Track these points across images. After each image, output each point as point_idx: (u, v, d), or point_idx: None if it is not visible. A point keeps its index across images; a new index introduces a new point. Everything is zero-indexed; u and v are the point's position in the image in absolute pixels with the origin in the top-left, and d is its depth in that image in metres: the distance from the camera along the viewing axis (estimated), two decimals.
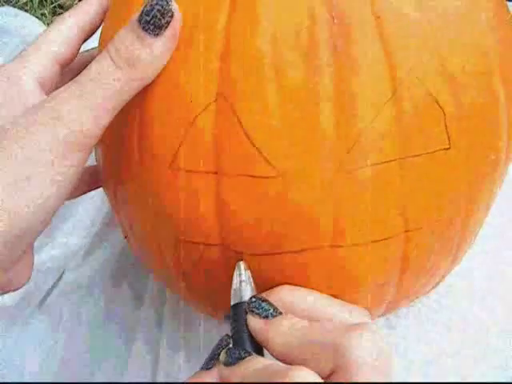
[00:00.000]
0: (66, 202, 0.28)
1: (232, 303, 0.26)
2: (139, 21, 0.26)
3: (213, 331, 0.43)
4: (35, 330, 0.46)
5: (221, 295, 0.30)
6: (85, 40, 0.32)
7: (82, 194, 0.36)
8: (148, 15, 0.25)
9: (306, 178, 0.25)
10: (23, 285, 0.30)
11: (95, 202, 0.50)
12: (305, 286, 0.28)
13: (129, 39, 0.26)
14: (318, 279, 0.28)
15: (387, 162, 0.26)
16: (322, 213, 0.26)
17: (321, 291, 0.29)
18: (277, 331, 0.25)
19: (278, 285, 0.28)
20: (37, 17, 0.61)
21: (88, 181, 0.36)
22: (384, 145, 0.26)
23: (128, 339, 0.45)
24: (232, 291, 0.27)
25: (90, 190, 0.37)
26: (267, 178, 0.25)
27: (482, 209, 0.31)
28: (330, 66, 0.25)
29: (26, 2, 0.66)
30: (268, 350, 0.25)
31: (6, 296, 0.46)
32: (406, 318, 0.42)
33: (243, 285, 0.26)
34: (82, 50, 0.32)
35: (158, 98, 0.27)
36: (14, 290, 0.29)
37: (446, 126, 0.27)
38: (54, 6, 0.67)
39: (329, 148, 0.25)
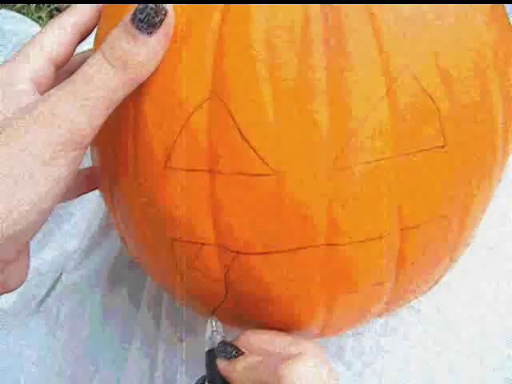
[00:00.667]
0: (63, 204, 0.29)
1: (206, 349, 0.30)
2: (133, 19, 0.25)
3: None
4: (33, 332, 0.46)
5: (217, 295, 0.30)
6: (80, 41, 0.32)
7: (78, 196, 0.36)
8: (141, 13, 0.25)
9: (300, 176, 0.25)
10: (19, 286, 0.30)
11: (92, 204, 0.50)
12: (300, 285, 0.28)
13: (122, 38, 0.26)
14: (313, 278, 0.28)
15: (382, 159, 0.26)
16: (317, 211, 0.26)
17: (316, 290, 0.29)
18: (235, 369, 0.28)
19: (271, 284, 0.28)
20: (34, 20, 0.61)
21: (85, 182, 0.36)
22: (379, 142, 0.26)
23: (126, 341, 0.45)
24: (206, 339, 0.31)
25: (86, 192, 0.37)
26: (262, 176, 0.25)
27: (479, 207, 0.31)
28: (324, 64, 0.25)
29: (23, 6, 0.66)
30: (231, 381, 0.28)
31: (3, 299, 0.46)
32: (406, 318, 0.42)
33: (215, 334, 0.31)
34: (77, 51, 0.32)
35: (151, 97, 0.27)
36: (10, 291, 0.29)
37: (440, 123, 0.27)
38: (51, 10, 0.67)
39: (323, 146, 0.25)
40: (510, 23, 0.32)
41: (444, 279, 0.35)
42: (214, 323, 0.31)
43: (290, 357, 0.27)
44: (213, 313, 0.31)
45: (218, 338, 0.30)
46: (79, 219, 0.50)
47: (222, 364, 0.29)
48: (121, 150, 0.29)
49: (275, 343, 0.29)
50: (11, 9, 0.63)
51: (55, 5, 0.67)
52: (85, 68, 0.26)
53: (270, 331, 0.30)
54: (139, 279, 0.47)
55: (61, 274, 0.48)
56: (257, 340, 0.30)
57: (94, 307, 0.46)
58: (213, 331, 0.31)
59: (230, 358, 0.29)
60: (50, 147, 0.25)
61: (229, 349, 0.29)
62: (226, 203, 0.26)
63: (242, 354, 0.29)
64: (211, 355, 0.30)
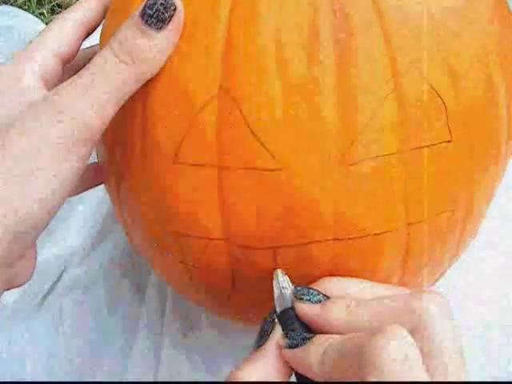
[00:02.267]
0: (67, 200, 0.28)
1: (279, 310, 0.26)
2: (142, 15, 0.26)
3: (215, 327, 0.43)
4: (36, 327, 0.46)
5: (223, 289, 0.31)
6: (86, 37, 0.32)
7: (83, 191, 0.37)
8: (151, 9, 0.25)
9: (308, 170, 0.26)
10: (27, 280, 0.30)
11: (96, 199, 0.50)
12: (308, 280, 0.28)
13: (131, 33, 0.26)
14: (321, 273, 0.28)
15: (389, 154, 0.26)
16: (325, 206, 0.26)
17: None
18: (337, 311, 0.24)
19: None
20: (35, 16, 0.61)
21: (89, 178, 0.36)
22: (386, 137, 0.26)
23: (130, 337, 0.45)
24: (275, 300, 0.26)
25: (91, 187, 0.37)
26: (270, 170, 0.26)
27: (484, 202, 0.32)
28: (333, 60, 0.25)
29: (25, 2, 0.66)
30: (329, 332, 0.24)
31: (6, 295, 0.46)
32: None
33: (285, 291, 0.26)
34: (83, 47, 0.32)
35: (160, 92, 0.27)
36: (18, 286, 0.29)
37: (447, 118, 0.27)
38: (53, 5, 0.67)
39: (331, 141, 0.25)
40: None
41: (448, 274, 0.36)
42: (281, 278, 0.26)
43: (410, 296, 0.23)
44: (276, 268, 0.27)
45: (289, 293, 0.26)
46: (83, 214, 0.50)
47: (307, 308, 0.25)
48: (128, 145, 0.29)
49: (367, 291, 0.26)
50: (13, 5, 0.63)
51: (57, 1, 0.67)
52: (93, 63, 0.26)
53: (350, 279, 0.27)
54: (143, 275, 0.47)
55: (64, 270, 0.48)
56: (339, 288, 0.26)
57: (98, 302, 0.46)
58: (282, 288, 0.26)
59: (319, 301, 0.25)
60: (60, 143, 0.25)
61: (313, 292, 0.25)
62: (234, 198, 0.27)
63: (329, 298, 0.25)
64: (288, 315, 0.25)
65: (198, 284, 0.32)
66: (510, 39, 0.31)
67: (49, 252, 0.48)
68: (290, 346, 0.24)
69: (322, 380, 0.23)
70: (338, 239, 0.27)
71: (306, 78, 0.25)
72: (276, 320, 0.26)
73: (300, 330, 0.25)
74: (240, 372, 0.24)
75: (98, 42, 0.33)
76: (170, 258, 0.31)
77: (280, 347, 0.25)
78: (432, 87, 0.26)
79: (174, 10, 0.26)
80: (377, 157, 0.26)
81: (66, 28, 0.30)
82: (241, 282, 0.30)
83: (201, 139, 0.26)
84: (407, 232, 0.28)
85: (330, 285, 0.26)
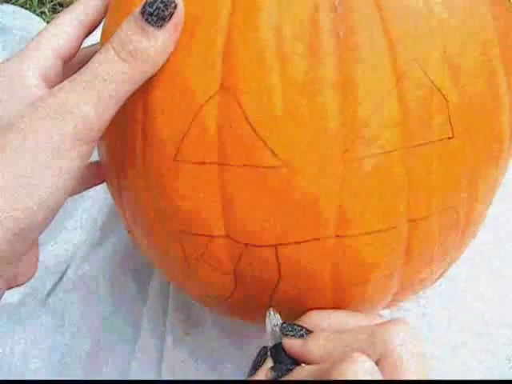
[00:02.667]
0: (69, 198, 0.28)
1: (271, 344, 0.29)
2: (142, 12, 0.26)
3: (217, 325, 0.44)
4: (39, 325, 0.46)
5: (226, 287, 0.31)
6: (87, 35, 0.32)
7: (85, 190, 0.37)
8: (151, 7, 0.25)
9: (310, 167, 0.26)
10: (28, 280, 0.30)
11: (98, 197, 0.50)
12: (310, 277, 0.28)
13: (132, 31, 0.26)
14: (323, 270, 0.28)
15: (391, 151, 0.26)
16: (327, 203, 0.26)
17: (326, 282, 0.29)
18: (314, 345, 0.27)
19: (281, 276, 0.29)
20: (37, 15, 0.61)
21: (91, 176, 0.36)
22: (388, 134, 0.26)
23: (133, 335, 0.45)
24: (268, 335, 0.29)
25: (93, 186, 0.37)
26: (272, 168, 0.26)
27: (486, 198, 0.31)
28: (334, 55, 0.25)
29: (26, 1, 0.66)
30: (310, 362, 0.27)
31: (9, 293, 0.46)
32: (407, 311, 0.42)
33: (276, 328, 0.28)
34: (83, 45, 0.32)
35: (161, 90, 0.27)
36: (21, 285, 0.29)
37: (449, 115, 0.27)
38: (54, 4, 0.67)
39: (333, 137, 0.25)
40: None
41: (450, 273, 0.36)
42: (273, 317, 0.29)
43: (378, 323, 0.26)
44: (269, 306, 0.30)
45: (279, 332, 0.28)
46: (86, 213, 0.50)
47: (291, 342, 0.27)
48: (129, 143, 0.29)
49: (343, 322, 0.28)
50: (14, 4, 0.63)
51: (58, 0, 0.67)
52: (94, 61, 0.26)
53: (331, 311, 0.29)
54: (146, 273, 0.47)
55: (67, 268, 0.48)
56: (321, 319, 0.29)
57: (101, 300, 0.46)
58: (273, 326, 0.29)
59: (301, 335, 0.27)
60: (61, 141, 0.25)
61: (296, 327, 0.28)
62: (235, 196, 0.27)
63: (311, 332, 0.28)
64: (277, 349, 0.28)
65: (200, 282, 0.32)
66: (510, 35, 0.30)
67: (52, 250, 0.49)
68: (274, 377, 0.27)
69: None
70: (339, 236, 0.27)
71: (307, 75, 0.25)
72: (268, 353, 0.28)
73: (288, 361, 0.27)
74: None
75: (98, 40, 0.33)
76: (171, 256, 0.31)
77: (268, 378, 0.27)
78: (433, 83, 0.26)
79: (175, 7, 0.26)
80: (378, 154, 0.26)
81: (67, 26, 0.30)
82: (243, 280, 0.30)
83: (202, 137, 0.26)
84: (408, 229, 0.28)
85: (317, 317, 0.29)
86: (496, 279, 0.44)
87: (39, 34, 0.30)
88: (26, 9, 0.62)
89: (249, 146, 0.26)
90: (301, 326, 0.28)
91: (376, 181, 0.26)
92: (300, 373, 0.26)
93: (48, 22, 0.61)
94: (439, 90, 0.26)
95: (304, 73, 0.25)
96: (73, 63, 0.32)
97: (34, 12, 0.63)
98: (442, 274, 0.35)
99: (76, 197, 0.47)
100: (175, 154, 0.27)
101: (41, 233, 0.27)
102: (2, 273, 0.26)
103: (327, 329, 0.28)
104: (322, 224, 0.27)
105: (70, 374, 0.44)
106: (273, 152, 0.25)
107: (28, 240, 0.27)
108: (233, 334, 0.43)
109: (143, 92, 0.27)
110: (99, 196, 0.50)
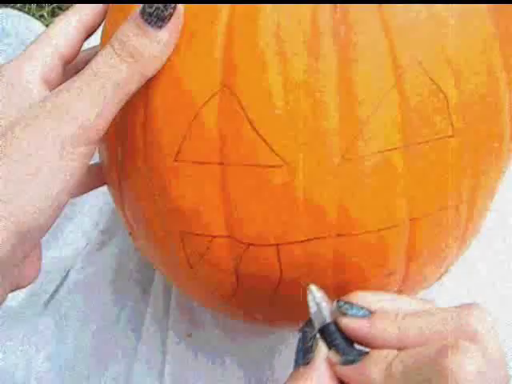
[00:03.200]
0: (71, 201, 0.28)
1: (318, 326, 0.25)
2: (142, 13, 0.26)
3: (219, 326, 0.44)
4: (41, 329, 0.46)
5: (228, 288, 0.31)
6: (87, 37, 0.32)
7: (86, 192, 0.37)
8: (151, 7, 0.25)
9: (311, 166, 0.26)
10: (33, 281, 0.30)
11: (99, 200, 0.50)
12: (312, 277, 0.28)
13: (132, 32, 0.26)
14: (324, 269, 0.28)
15: (392, 149, 0.26)
16: (328, 202, 0.26)
17: (328, 281, 0.29)
18: (388, 323, 0.24)
19: (283, 275, 0.28)
20: (35, 18, 0.61)
21: (93, 178, 0.36)
22: (388, 132, 0.26)
23: (135, 338, 0.45)
24: (312, 315, 0.26)
25: (94, 188, 0.37)
26: (272, 167, 0.26)
27: (487, 196, 0.31)
28: (333, 55, 0.25)
29: (24, 4, 0.66)
30: (377, 346, 0.24)
31: (12, 296, 0.46)
32: None
33: (321, 306, 0.25)
34: (84, 47, 0.32)
35: (161, 91, 0.27)
36: (24, 287, 0.29)
37: (449, 113, 0.27)
38: (53, 8, 0.67)
39: (334, 136, 0.25)
40: None
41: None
42: (317, 294, 0.26)
43: (459, 310, 0.23)
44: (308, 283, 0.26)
45: (326, 308, 0.25)
46: (87, 215, 0.50)
47: (354, 323, 0.24)
48: (130, 144, 0.29)
49: (405, 305, 0.25)
50: (13, 7, 0.63)
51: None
52: (95, 62, 0.26)
53: (380, 292, 0.26)
54: (147, 274, 0.47)
55: (69, 271, 0.48)
56: (375, 301, 0.25)
57: (104, 303, 0.46)
58: (319, 303, 0.25)
59: (364, 315, 0.24)
60: (62, 143, 0.25)
61: (357, 306, 0.24)
62: (237, 195, 0.27)
63: (373, 312, 0.24)
64: (329, 329, 0.25)
65: (201, 282, 0.32)
66: (510, 33, 0.30)
67: (54, 253, 0.49)
68: (345, 363, 0.24)
69: None
70: (341, 235, 0.27)
71: (307, 74, 0.25)
72: (318, 336, 0.25)
73: (343, 344, 0.24)
74: None
75: (99, 42, 0.33)
76: (173, 257, 0.31)
77: (331, 363, 0.24)
78: (434, 81, 0.26)
79: (174, 8, 0.26)
80: (379, 152, 0.26)
81: (67, 28, 0.30)
82: (244, 280, 0.30)
83: (202, 137, 0.26)
84: (410, 227, 0.28)
85: (371, 298, 0.25)
86: (497, 277, 0.44)
87: (40, 35, 0.30)
88: (25, 12, 0.62)
89: (249, 145, 0.26)
90: (360, 305, 0.25)
91: (376, 179, 0.26)
92: (384, 357, 0.23)
93: (47, 26, 0.61)
94: (439, 89, 0.26)
95: (304, 72, 0.25)
96: (73, 65, 0.32)
97: (32, 15, 0.63)
98: (444, 273, 0.35)
99: (77, 199, 0.47)
100: (176, 155, 0.27)
101: (43, 235, 0.27)
102: (5, 275, 0.26)
103: (389, 310, 0.24)
104: (322, 223, 0.27)
105: (73, 376, 0.44)
106: (273, 151, 0.25)
107: (31, 242, 0.27)
108: (234, 334, 0.43)
109: (143, 93, 0.27)
110: (100, 198, 0.50)
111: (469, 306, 0.23)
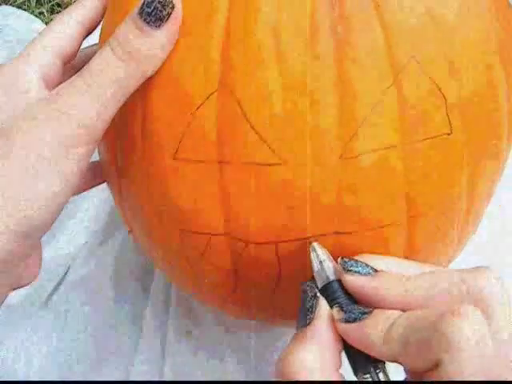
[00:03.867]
0: (70, 199, 0.29)
1: (320, 286, 0.25)
2: (140, 13, 0.26)
3: (219, 323, 0.44)
4: (42, 326, 0.46)
5: (227, 285, 0.31)
6: (86, 36, 0.32)
7: (85, 190, 0.37)
8: (149, 7, 0.26)
9: (309, 164, 0.26)
10: (33, 280, 0.30)
11: (99, 198, 0.50)
12: (311, 274, 0.29)
13: (130, 31, 0.26)
14: None
15: (390, 147, 0.26)
16: (327, 200, 0.26)
17: None
18: (390, 282, 0.23)
19: (282, 273, 0.29)
20: (35, 15, 0.61)
21: (93, 176, 0.36)
22: (386, 130, 0.26)
23: (135, 335, 0.45)
24: (315, 273, 0.25)
25: (94, 186, 0.37)
26: (270, 165, 0.26)
27: (485, 193, 0.31)
28: (331, 53, 0.25)
29: (24, 1, 0.66)
30: (382, 306, 0.23)
31: (11, 294, 0.46)
32: None
33: (326, 264, 0.25)
34: (83, 46, 0.32)
35: (160, 90, 0.27)
36: (24, 286, 0.30)
37: (447, 111, 0.27)
38: (52, 5, 0.67)
39: (332, 134, 0.25)
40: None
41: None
42: (320, 251, 0.25)
43: (463, 272, 0.22)
44: (309, 242, 0.26)
45: (330, 266, 0.25)
46: (87, 213, 0.50)
47: (359, 280, 0.23)
48: (129, 143, 0.29)
49: (411, 266, 0.24)
50: (12, 5, 0.63)
51: (56, 0, 0.67)
52: (93, 62, 0.26)
53: (385, 256, 0.26)
54: (147, 272, 0.47)
55: (68, 269, 0.48)
56: (381, 263, 0.24)
57: (103, 300, 0.47)
58: (322, 261, 0.25)
59: (368, 273, 0.23)
60: (62, 143, 0.25)
61: (361, 264, 0.24)
62: (235, 193, 0.27)
63: (379, 271, 0.24)
64: (332, 287, 0.24)
65: (201, 281, 0.32)
66: (509, 31, 0.31)
67: (54, 251, 0.49)
68: (347, 321, 0.23)
69: (385, 358, 0.22)
70: (339, 233, 0.27)
71: (305, 72, 0.25)
72: (319, 295, 0.24)
73: (346, 302, 0.24)
74: (291, 356, 0.23)
75: (97, 40, 0.33)
76: (172, 254, 0.31)
77: (333, 320, 0.23)
78: (432, 80, 0.26)
79: (172, 7, 0.26)
80: (377, 150, 0.26)
81: (66, 27, 0.30)
82: (244, 278, 0.30)
83: (201, 135, 0.26)
84: (409, 225, 0.28)
85: (374, 258, 0.25)
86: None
87: (39, 35, 0.30)
88: (24, 10, 0.62)
89: (247, 143, 0.26)
90: (365, 263, 0.24)
91: (375, 177, 0.26)
92: (386, 317, 0.22)
93: (46, 23, 0.61)
94: (437, 87, 0.26)
95: (302, 71, 0.25)
96: (73, 64, 0.32)
97: (32, 13, 0.63)
98: None
99: (77, 197, 0.47)
100: (174, 153, 0.27)
101: (44, 233, 0.28)
102: (6, 275, 0.26)
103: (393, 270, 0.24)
104: (321, 221, 0.27)
105: (73, 373, 0.44)
106: (272, 149, 0.25)
107: (32, 241, 0.27)
108: (234, 331, 0.43)
109: (142, 92, 0.28)
110: (100, 196, 0.50)
111: (478, 268, 0.23)
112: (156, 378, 0.42)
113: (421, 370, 0.21)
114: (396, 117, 0.26)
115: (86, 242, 0.49)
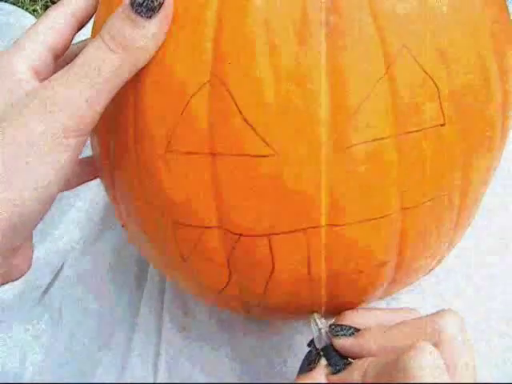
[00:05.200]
0: (64, 194, 0.29)
1: (319, 347, 0.30)
2: (132, 4, 0.26)
3: (214, 319, 0.44)
4: (36, 323, 0.46)
5: (220, 279, 0.31)
6: (78, 29, 0.32)
7: (79, 185, 0.37)
8: None
9: (301, 156, 0.26)
10: (22, 275, 0.30)
11: (93, 193, 0.50)
12: (303, 267, 0.29)
13: (122, 22, 0.26)
14: (317, 259, 0.28)
15: (382, 138, 0.26)
16: (319, 191, 0.26)
17: (320, 272, 0.29)
18: (369, 339, 0.28)
19: (275, 266, 0.29)
20: (29, 13, 0.61)
21: (85, 171, 0.36)
22: (379, 121, 0.26)
23: (129, 331, 0.45)
24: (315, 339, 0.31)
25: (87, 181, 0.37)
26: (263, 157, 0.26)
27: (479, 184, 0.31)
28: (323, 43, 0.25)
29: None
30: (362, 356, 0.28)
31: (5, 291, 0.46)
32: (406, 302, 0.42)
33: (323, 331, 0.30)
34: (75, 40, 0.32)
35: (151, 82, 0.27)
36: (15, 280, 0.29)
37: (440, 102, 0.27)
38: (46, 2, 0.67)
39: (324, 125, 0.25)
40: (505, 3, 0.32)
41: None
42: (318, 321, 0.31)
43: (432, 315, 0.27)
44: (313, 312, 0.32)
45: (326, 333, 0.30)
46: (81, 209, 0.50)
47: (343, 341, 0.29)
48: (121, 136, 0.29)
49: (387, 318, 0.30)
50: (6, 1, 0.63)
51: None
52: (85, 53, 0.26)
53: (367, 309, 0.31)
54: (142, 267, 0.47)
55: (63, 265, 0.48)
56: (362, 318, 0.30)
57: (98, 296, 0.46)
58: (319, 329, 0.31)
59: (352, 334, 0.29)
60: (53, 134, 0.25)
61: (345, 327, 0.29)
62: (227, 185, 0.27)
63: (358, 330, 0.29)
64: (327, 350, 0.30)
65: (194, 274, 0.32)
66: (502, 21, 0.30)
67: (48, 246, 0.48)
68: (334, 372, 0.29)
69: None
70: (331, 225, 0.27)
71: (297, 63, 0.25)
72: (321, 353, 0.30)
73: (337, 358, 0.29)
74: None
75: (90, 34, 0.33)
76: (165, 248, 0.31)
77: (326, 374, 0.29)
78: (424, 70, 0.26)
79: None
80: (370, 141, 0.26)
81: (58, 20, 0.30)
82: (237, 271, 0.30)
83: (193, 127, 0.26)
84: (402, 217, 0.28)
85: (358, 316, 0.30)
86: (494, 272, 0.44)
87: (30, 28, 0.30)
88: (19, 7, 0.62)
89: (240, 135, 0.26)
90: (349, 326, 0.29)
91: (367, 168, 0.26)
92: (362, 363, 0.27)
93: None
94: (430, 77, 0.26)
95: (294, 61, 0.25)
96: (64, 58, 0.31)
97: (26, 10, 0.63)
98: (437, 263, 0.36)
99: (70, 193, 0.47)
100: (166, 145, 0.27)
101: (35, 226, 0.27)
102: None
103: (372, 326, 0.29)
104: (314, 213, 0.27)
105: (68, 370, 0.44)
106: (264, 141, 0.25)
107: (22, 234, 0.27)
108: (230, 327, 0.43)
109: (134, 83, 0.27)
110: (94, 192, 0.50)
111: (442, 311, 0.27)
112: (151, 374, 0.42)
113: None
114: (389, 108, 0.26)
115: (81, 238, 0.49)
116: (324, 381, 0.29)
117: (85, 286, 0.47)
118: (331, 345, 0.30)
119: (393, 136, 0.26)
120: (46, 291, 0.47)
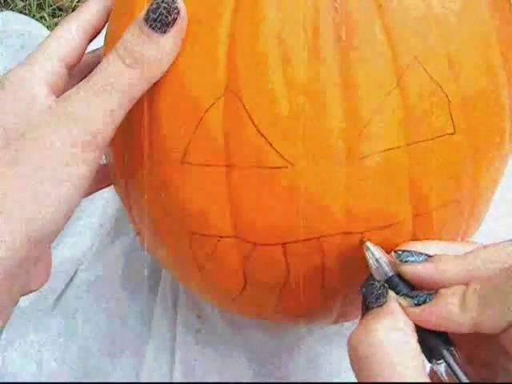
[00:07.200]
0: None
1: (381, 282, 0.26)
2: (146, 19, 0.26)
3: (228, 322, 0.44)
4: (50, 329, 0.47)
5: (235, 286, 0.31)
6: (90, 40, 0.32)
7: (93, 193, 0.37)
8: (154, 13, 0.26)
9: (315, 167, 0.26)
10: (43, 284, 0.30)
11: (105, 200, 0.51)
12: (318, 274, 0.29)
13: (136, 37, 0.26)
14: (332, 267, 0.29)
15: (394, 148, 0.26)
16: (334, 201, 0.27)
17: (335, 279, 0.29)
18: (449, 263, 0.24)
19: (289, 273, 0.29)
20: (36, 20, 0.61)
21: (99, 179, 0.36)
22: (391, 132, 0.26)
23: (143, 336, 0.45)
24: (373, 271, 0.26)
25: (101, 188, 0.37)
26: (278, 168, 0.26)
27: (489, 189, 0.32)
28: (335, 56, 0.25)
29: (25, 6, 0.66)
30: (443, 286, 0.24)
31: (21, 298, 0.46)
32: None
33: (381, 261, 0.26)
34: (87, 50, 0.32)
35: (166, 95, 0.28)
36: (35, 291, 0.30)
37: (450, 111, 0.27)
38: (53, 9, 0.67)
39: (337, 136, 0.26)
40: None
41: None
42: (374, 250, 0.27)
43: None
44: (363, 242, 0.27)
45: (386, 261, 0.26)
46: (94, 216, 0.50)
47: (417, 268, 0.25)
48: (136, 148, 0.30)
49: (456, 248, 0.26)
50: (13, 9, 0.63)
51: (57, 4, 0.67)
52: (100, 69, 0.27)
53: (430, 241, 0.28)
54: (155, 274, 0.48)
55: (77, 271, 0.49)
56: (425, 249, 0.26)
57: (111, 302, 0.47)
58: (377, 259, 0.26)
59: (422, 261, 0.25)
60: (71, 149, 0.26)
61: (415, 253, 0.26)
62: (243, 196, 0.27)
63: (432, 256, 0.25)
64: (393, 281, 0.25)
65: (209, 282, 0.32)
66: (509, 29, 0.31)
67: (62, 253, 0.49)
68: (418, 303, 0.24)
69: (465, 327, 0.23)
70: (346, 233, 0.27)
71: (310, 76, 0.25)
72: (386, 285, 0.25)
73: (410, 292, 0.25)
74: (369, 332, 0.23)
75: (102, 44, 0.33)
76: (180, 256, 0.32)
77: (403, 308, 0.24)
78: (434, 81, 0.27)
79: (178, 13, 0.26)
80: (381, 151, 0.26)
81: (71, 32, 0.31)
82: (252, 279, 0.30)
83: (208, 140, 0.27)
84: (413, 224, 0.28)
85: (419, 246, 0.26)
86: None
87: (43, 41, 0.30)
88: (26, 14, 0.62)
89: (254, 147, 0.26)
90: (419, 252, 0.26)
91: (380, 178, 0.27)
92: (454, 292, 0.23)
93: (48, 27, 0.62)
94: (440, 87, 0.27)
95: (307, 74, 0.25)
96: (79, 67, 0.32)
97: (33, 17, 0.63)
98: None
99: (84, 200, 0.48)
100: (182, 157, 0.27)
101: (54, 239, 0.28)
102: (17, 279, 0.27)
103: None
104: (328, 221, 0.27)
105: (83, 374, 0.45)
106: (278, 153, 0.26)
107: (44, 245, 0.27)
108: (243, 329, 0.44)
109: (149, 97, 0.28)
110: (106, 199, 0.51)
111: None
112: (167, 378, 0.43)
113: (499, 330, 0.22)
114: (400, 118, 0.26)
115: (93, 245, 0.50)
116: (402, 316, 0.24)
117: (98, 291, 0.47)
118: (397, 275, 0.25)
119: (404, 146, 0.26)
120: (59, 297, 0.48)
